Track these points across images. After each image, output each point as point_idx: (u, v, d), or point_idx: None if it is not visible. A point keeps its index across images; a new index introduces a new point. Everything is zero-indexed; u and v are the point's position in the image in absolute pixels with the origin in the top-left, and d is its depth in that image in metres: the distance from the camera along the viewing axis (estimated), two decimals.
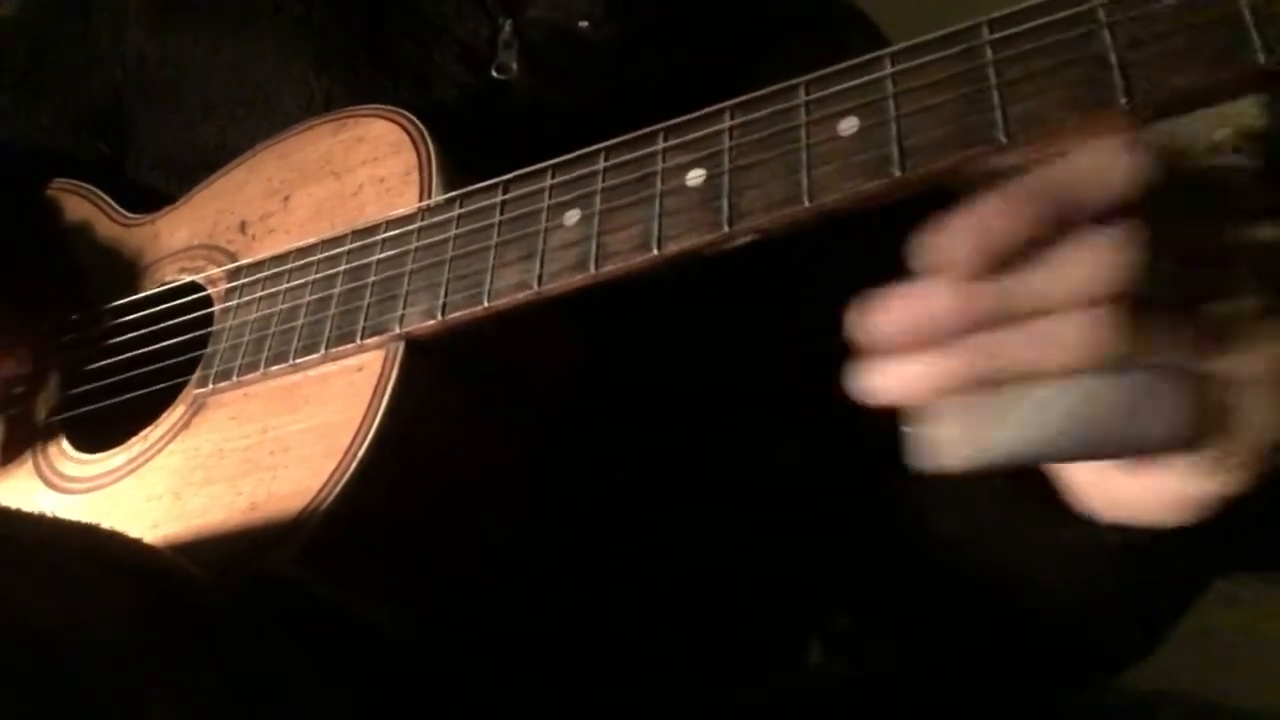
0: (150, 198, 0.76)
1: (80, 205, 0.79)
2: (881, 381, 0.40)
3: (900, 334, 0.39)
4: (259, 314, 0.63)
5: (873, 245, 0.44)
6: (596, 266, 0.50)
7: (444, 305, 0.55)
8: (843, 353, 0.53)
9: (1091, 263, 0.37)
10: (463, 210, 0.57)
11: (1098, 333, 0.37)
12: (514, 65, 0.68)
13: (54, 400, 0.72)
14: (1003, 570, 0.54)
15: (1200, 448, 0.40)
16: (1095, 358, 0.37)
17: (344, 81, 0.70)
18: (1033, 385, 0.38)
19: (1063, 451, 0.40)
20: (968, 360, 0.38)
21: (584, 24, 0.69)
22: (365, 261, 0.59)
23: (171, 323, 0.69)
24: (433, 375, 0.56)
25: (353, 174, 0.64)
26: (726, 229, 0.47)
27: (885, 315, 0.39)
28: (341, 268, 0.60)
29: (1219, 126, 0.42)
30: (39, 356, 0.73)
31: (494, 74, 0.69)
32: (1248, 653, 0.99)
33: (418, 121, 0.62)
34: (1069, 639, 0.56)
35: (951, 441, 0.39)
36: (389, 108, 0.64)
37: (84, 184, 0.80)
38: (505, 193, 0.56)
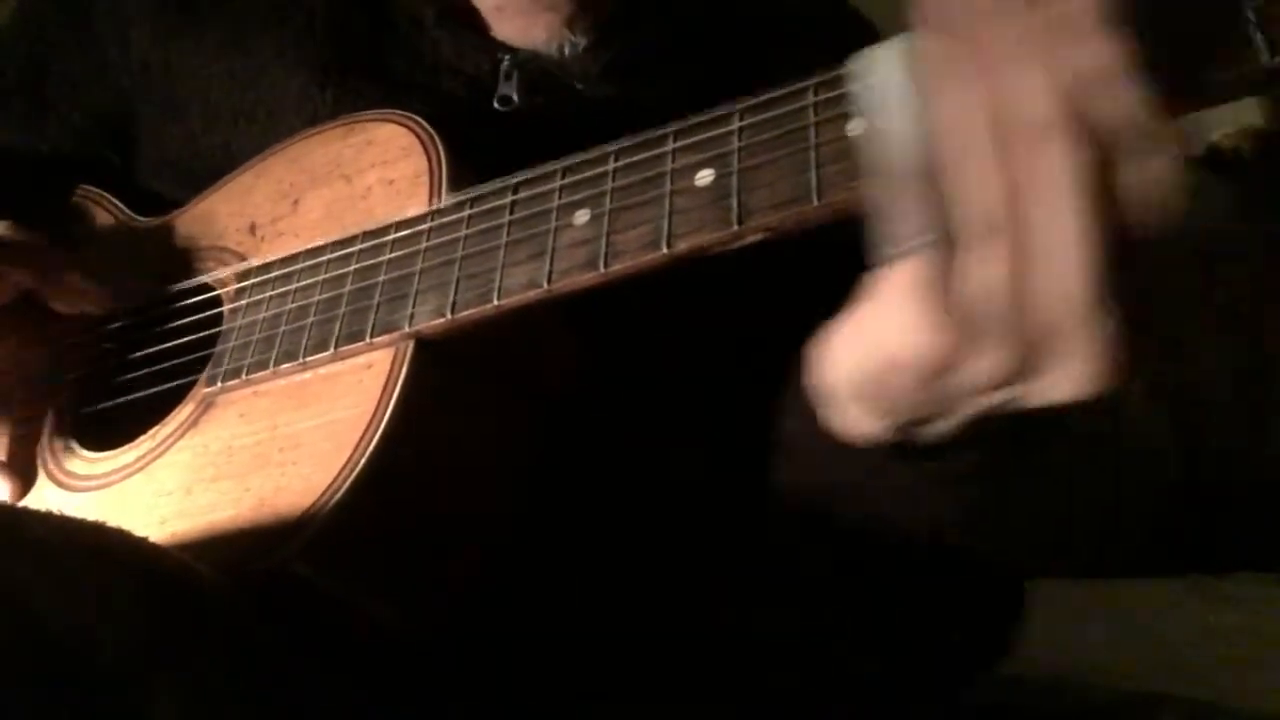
0: (158, 203, 0.77)
1: (90, 209, 0.79)
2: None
3: None
4: (269, 313, 0.63)
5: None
6: (606, 265, 0.51)
7: (454, 304, 0.55)
8: None
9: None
10: (473, 211, 0.57)
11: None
12: (514, 96, 0.69)
13: (62, 400, 0.72)
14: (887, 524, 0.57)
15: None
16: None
17: (348, 95, 0.70)
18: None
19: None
20: None
21: (580, 86, 0.70)
22: (375, 261, 0.60)
23: (181, 323, 0.69)
24: (442, 373, 0.57)
25: (362, 176, 0.65)
26: (735, 227, 0.48)
27: None
28: (352, 268, 0.61)
29: (1218, 126, 0.42)
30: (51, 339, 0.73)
31: (495, 105, 0.70)
32: (1248, 653, 1.00)
33: (427, 125, 0.63)
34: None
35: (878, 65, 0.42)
36: (398, 112, 0.65)
37: (93, 189, 0.80)
38: (515, 193, 0.56)
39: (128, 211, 0.78)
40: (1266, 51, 0.38)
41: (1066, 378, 0.40)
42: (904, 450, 0.50)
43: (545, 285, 0.53)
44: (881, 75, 0.42)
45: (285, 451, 0.58)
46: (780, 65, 0.50)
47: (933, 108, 0.40)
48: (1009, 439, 0.49)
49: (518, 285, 0.54)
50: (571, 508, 0.63)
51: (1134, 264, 0.39)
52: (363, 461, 0.54)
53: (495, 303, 0.54)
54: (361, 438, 0.55)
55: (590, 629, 0.65)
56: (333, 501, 0.54)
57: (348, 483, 0.54)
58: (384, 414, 0.55)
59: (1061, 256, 0.38)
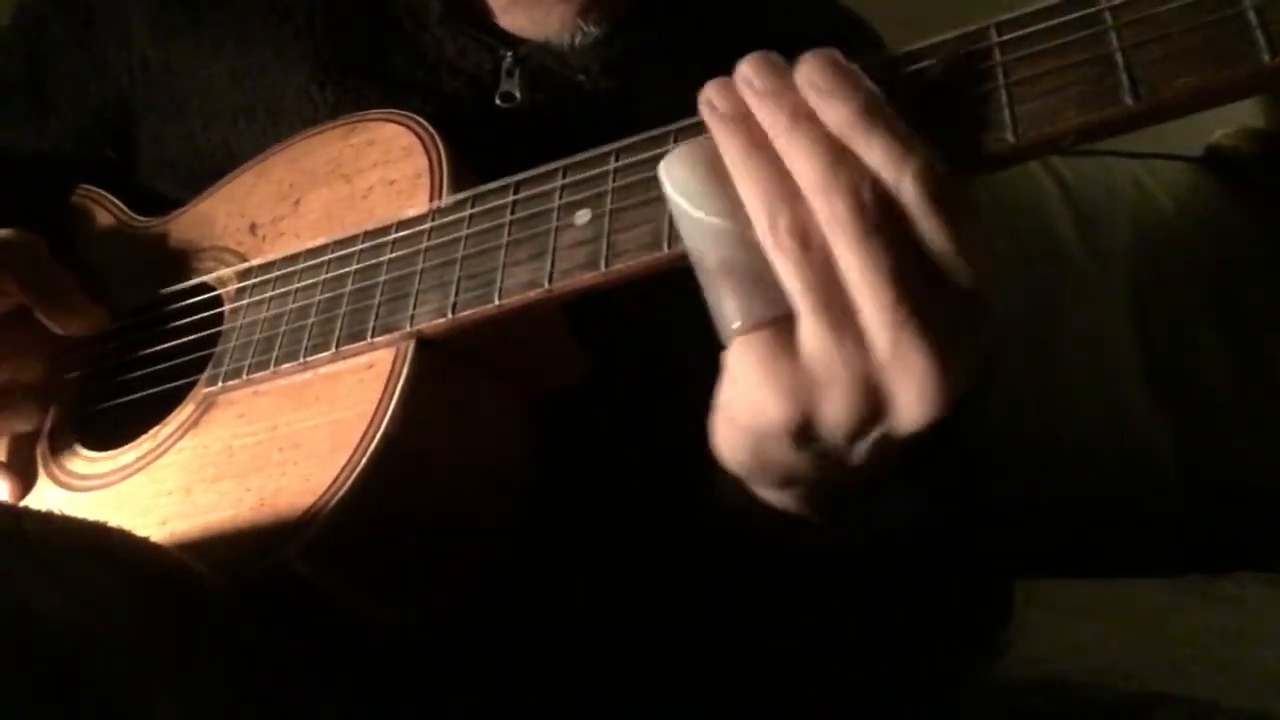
0: (159, 203, 0.77)
1: (92, 209, 0.79)
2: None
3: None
4: (270, 313, 0.63)
5: None
6: (606, 265, 0.51)
7: (455, 304, 0.55)
8: None
9: None
10: (474, 210, 0.57)
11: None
12: (517, 94, 0.69)
13: (62, 400, 0.72)
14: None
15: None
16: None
17: (348, 94, 0.70)
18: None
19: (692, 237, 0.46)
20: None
21: (582, 78, 0.70)
22: (376, 261, 0.60)
23: (181, 323, 0.69)
24: (442, 373, 0.57)
25: (363, 176, 0.65)
26: None
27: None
28: (353, 267, 0.61)
29: (1219, 126, 0.43)
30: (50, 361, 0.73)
31: (498, 102, 0.69)
32: (1248, 653, 1.00)
33: (428, 125, 0.63)
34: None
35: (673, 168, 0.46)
36: (399, 111, 0.65)
37: (93, 189, 0.80)
38: (516, 193, 0.56)
39: (128, 211, 0.78)
40: (1267, 51, 0.38)
41: (910, 402, 0.43)
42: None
43: (546, 285, 0.53)
44: (677, 176, 0.46)
45: (285, 451, 0.58)
46: None
47: (731, 194, 0.44)
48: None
49: (519, 285, 0.54)
50: (572, 508, 0.63)
51: (933, 289, 0.42)
52: (363, 461, 0.54)
53: (496, 302, 0.54)
54: (362, 438, 0.54)
55: (590, 629, 0.65)
56: (333, 502, 0.53)
57: (348, 483, 0.54)
58: (385, 414, 0.55)
59: (867, 297, 0.42)
